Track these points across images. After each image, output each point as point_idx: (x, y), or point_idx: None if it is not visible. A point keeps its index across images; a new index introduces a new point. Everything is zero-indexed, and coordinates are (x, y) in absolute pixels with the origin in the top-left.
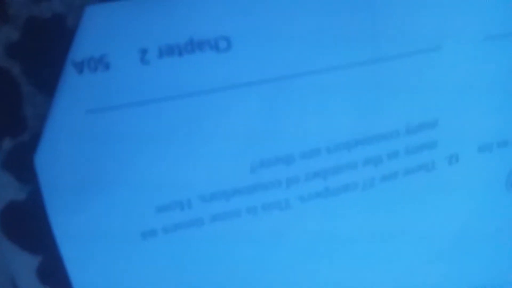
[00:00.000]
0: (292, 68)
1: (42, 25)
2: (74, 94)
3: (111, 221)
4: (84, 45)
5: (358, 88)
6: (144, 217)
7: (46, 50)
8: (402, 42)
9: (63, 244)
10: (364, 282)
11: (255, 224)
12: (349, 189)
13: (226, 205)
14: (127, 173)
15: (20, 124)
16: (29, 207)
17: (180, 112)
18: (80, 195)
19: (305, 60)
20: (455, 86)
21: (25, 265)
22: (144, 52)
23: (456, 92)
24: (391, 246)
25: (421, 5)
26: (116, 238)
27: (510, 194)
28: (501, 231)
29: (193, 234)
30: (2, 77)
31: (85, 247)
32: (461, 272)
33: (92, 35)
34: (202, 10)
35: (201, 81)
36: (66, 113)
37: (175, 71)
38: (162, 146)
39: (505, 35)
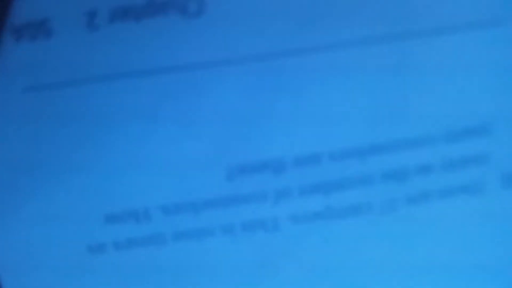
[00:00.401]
0: (285, 42)
1: None
2: (12, 67)
3: (49, 229)
4: (24, 7)
5: (376, 73)
6: (91, 227)
7: None
8: (442, 12)
9: None
10: None
11: (232, 248)
12: (360, 211)
13: (195, 221)
14: (70, 169)
15: None
16: None
17: (135, 94)
18: (15, 194)
19: (302, 32)
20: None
21: None
22: (92, 15)
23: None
24: None
25: None
26: (58, 251)
27: None
28: None
29: (151, 254)
30: None
31: (20, 259)
32: None
33: None
34: None
35: (163, 55)
36: (2, 90)
37: (129, 40)
38: (113, 137)
39: None
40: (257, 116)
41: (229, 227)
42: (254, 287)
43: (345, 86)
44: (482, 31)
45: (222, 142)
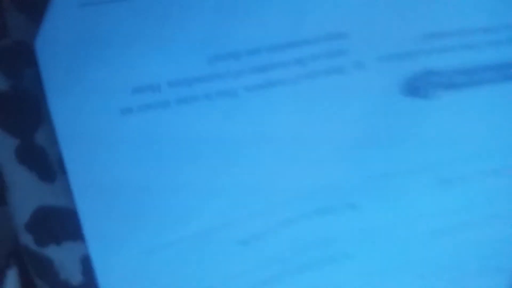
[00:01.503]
0: None
1: None
2: None
3: (97, 98)
4: None
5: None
6: (123, 96)
7: None
8: None
9: (58, 122)
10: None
11: (211, 108)
12: (284, 82)
13: (189, 91)
14: (112, 58)
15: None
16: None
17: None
18: (72, 77)
19: None
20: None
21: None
22: None
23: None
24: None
25: None
26: (101, 113)
27: (403, 97)
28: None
29: (162, 114)
30: None
31: (76, 122)
32: (357, 164)
33: None
34: None
35: None
36: (62, 4)
37: None
38: (141, 41)
39: None
40: (223, 24)
41: (209, 95)
42: (225, 135)
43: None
44: None
45: (204, 40)
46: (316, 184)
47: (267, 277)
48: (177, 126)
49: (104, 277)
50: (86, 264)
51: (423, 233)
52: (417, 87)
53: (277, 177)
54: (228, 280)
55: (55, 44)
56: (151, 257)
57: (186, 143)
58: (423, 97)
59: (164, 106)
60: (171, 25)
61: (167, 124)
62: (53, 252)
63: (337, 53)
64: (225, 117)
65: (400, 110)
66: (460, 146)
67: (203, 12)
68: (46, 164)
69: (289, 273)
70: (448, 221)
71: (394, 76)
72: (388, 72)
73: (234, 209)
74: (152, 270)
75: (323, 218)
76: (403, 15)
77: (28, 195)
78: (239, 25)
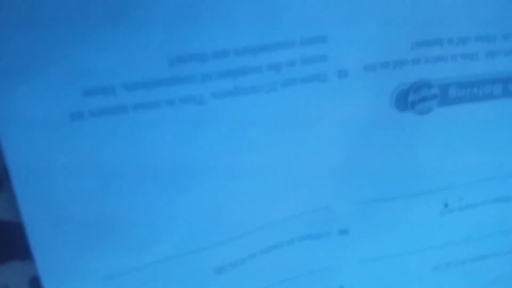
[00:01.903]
0: None
1: None
2: None
3: (44, 101)
4: None
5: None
6: (72, 99)
7: None
8: None
9: (2, 127)
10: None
11: (174, 116)
12: (255, 90)
13: (148, 95)
14: (61, 56)
15: None
16: None
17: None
18: (16, 76)
19: None
20: (340, 3)
21: None
22: None
23: (343, 11)
24: (288, 144)
25: None
26: (48, 117)
27: (393, 111)
28: (383, 145)
29: (118, 121)
30: None
31: (21, 128)
32: (350, 185)
33: None
34: None
35: None
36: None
37: None
38: (93, 37)
39: None
40: (186, 21)
41: (171, 101)
42: (190, 143)
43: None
44: None
45: (165, 38)
46: (302, 208)
47: None
48: (135, 135)
49: None
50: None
51: (423, 265)
52: (410, 101)
53: (255, 198)
54: None
55: None
56: (110, 284)
57: (146, 155)
58: (418, 112)
59: (120, 112)
60: (127, 21)
61: (124, 132)
62: None
63: (316, 59)
64: (192, 126)
65: (391, 126)
66: (464, 169)
67: (164, 8)
68: None
69: None
70: (450, 253)
71: (383, 88)
72: (377, 83)
73: (209, 232)
74: None
75: (311, 244)
76: (394, 19)
77: None
78: (205, 24)
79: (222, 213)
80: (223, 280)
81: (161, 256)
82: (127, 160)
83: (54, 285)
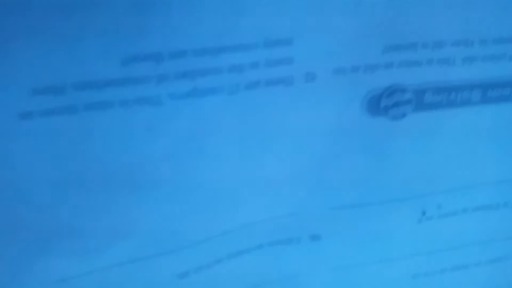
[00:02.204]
0: None
1: None
2: None
3: None
4: None
5: None
6: (22, 98)
7: None
8: None
9: None
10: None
11: (128, 117)
12: (216, 92)
13: (99, 96)
14: (9, 52)
15: None
16: None
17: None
18: None
19: None
20: (307, 3)
21: None
22: None
23: (309, 12)
24: (254, 149)
25: None
26: None
27: (365, 117)
28: (355, 150)
29: (68, 121)
30: None
31: None
32: (321, 190)
33: None
34: None
35: None
36: None
37: None
38: (42, 34)
39: None
40: (141, 19)
41: (125, 102)
42: (146, 147)
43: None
44: None
45: (118, 36)
46: (271, 213)
47: None
48: (87, 136)
49: None
50: None
51: (401, 273)
52: (383, 106)
53: (219, 203)
54: None
55: None
56: (63, 287)
57: (98, 157)
58: (391, 117)
59: (70, 112)
60: (76, 18)
61: (75, 133)
62: None
63: (281, 61)
64: (148, 128)
65: (364, 131)
66: (442, 175)
67: (116, 5)
68: None
69: None
70: (429, 262)
71: (354, 92)
72: (347, 87)
73: (170, 237)
74: None
75: (281, 250)
76: (364, 22)
77: None
78: (161, 23)
79: (183, 218)
80: (187, 285)
81: (116, 260)
82: (78, 162)
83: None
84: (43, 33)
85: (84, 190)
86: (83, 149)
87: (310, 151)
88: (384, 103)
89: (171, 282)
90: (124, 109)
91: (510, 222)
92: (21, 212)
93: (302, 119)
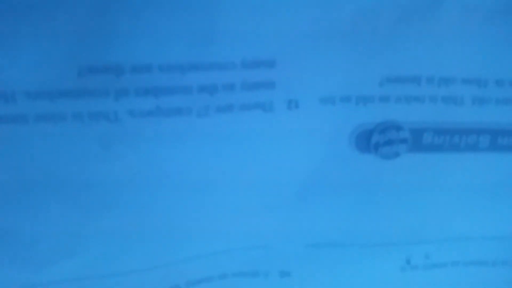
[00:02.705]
0: None
1: None
2: None
3: None
4: None
5: (192, 7)
6: None
7: None
8: None
9: None
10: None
11: (80, 131)
12: (182, 113)
13: (52, 106)
14: None
15: None
16: None
17: None
18: None
19: None
20: (294, 24)
21: None
22: None
23: (297, 33)
24: (224, 177)
25: None
26: None
27: (353, 153)
28: (339, 187)
29: (17, 131)
30: None
31: None
32: (297, 226)
33: None
34: None
35: None
36: None
37: None
38: None
39: None
40: (101, 29)
41: (79, 115)
42: (96, 165)
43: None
44: None
45: (75, 45)
46: (240, 243)
47: None
48: (37, 148)
49: None
50: None
51: None
52: (374, 142)
53: (180, 229)
54: None
55: None
56: None
57: (48, 170)
58: (382, 156)
59: (20, 122)
60: (31, 23)
61: (25, 144)
62: None
63: (261, 85)
64: (102, 145)
65: (349, 168)
66: (433, 224)
67: (74, 11)
68: None
69: None
70: None
71: (343, 125)
72: (335, 118)
73: (121, 258)
74: None
75: (246, 282)
76: (361, 47)
77: None
78: (123, 33)
79: (137, 241)
80: None
81: (63, 276)
82: (26, 173)
83: None
84: None
85: (31, 203)
86: (31, 161)
87: (287, 184)
88: (375, 139)
89: None
90: (78, 123)
91: (504, 281)
92: None
93: (281, 149)
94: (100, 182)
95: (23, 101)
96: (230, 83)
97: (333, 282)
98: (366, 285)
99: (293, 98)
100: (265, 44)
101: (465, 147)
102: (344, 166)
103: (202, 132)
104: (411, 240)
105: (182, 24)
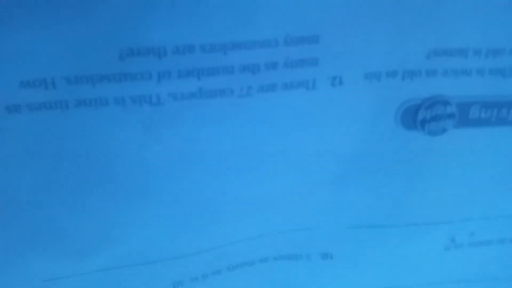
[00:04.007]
0: None
1: None
2: None
3: None
4: None
5: None
6: (8, 91)
7: None
8: None
9: None
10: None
11: (123, 116)
12: (225, 94)
13: (93, 91)
14: None
15: None
16: None
17: None
18: None
19: None
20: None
21: None
22: None
23: (340, 7)
24: (267, 159)
25: None
26: None
27: (399, 130)
28: (384, 166)
29: (58, 117)
30: None
31: None
32: (340, 206)
33: None
34: None
35: None
36: None
37: None
38: (23, 23)
39: None
40: (143, 10)
41: (121, 99)
42: (138, 150)
43: None
44: None
45: (116, 27)
46: (281, 226)
47: None
48: (78, 134)
49: None
50: None
51: None
52: (420, 119)
53: (222, 212)
54: None
55: None
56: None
57: (89, 157)
58: (428, 132)
59: (60, 107)
60: (70, 5)
61: (66, 130)
62: None
63: (304, 62)
64: (145, 130)
65: (394, 145)
66: (479, 201)
67: None
68: None
69: None
70: None
71: (388, 101)
72: (380, 95)
73: (165, 245)
74: None
75: (288, 265)
76: (407, 19)
77: None
78: (164, 13)
79: (181, 226)
80: None
81: (108, 264)
82: (67, 160)
83: None
84: (32, 21)
85: (73, 190)
86: (72, 148)
87: (331, 163)
88: (422, 115)
89: None
90: (120, 107)
91: None
92: (6, 210)
93: (324, 128)
94: (143, 167)
95: (63, 86)
96: (272, 62)
97: (376, 263)
98: (410, 265)
99: (337, 75)
100: (308, 19)
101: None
102: (389, 144)
103: (244, 113)
104: (456, 217)
105: (223, 2)
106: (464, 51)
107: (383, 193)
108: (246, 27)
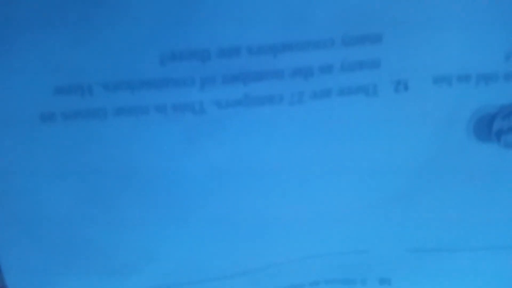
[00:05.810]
0: None
1: None
2: None
3: (10, 99)
4: None
5: None
6: (42, 98)
7: None
8: None
9: None
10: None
11: (164, 125)
12: (273, 101)
13: (132, 98)
14: (30, 47)
15: None
16: None
17: None
18: None
19: None
20: None
21: None
22: None
23: (406, 2)
24: (316, 174)
25: None
26: (15, 117)
27: (470, 141)
28: (453, 182)
29: (95, 126)
30: None
31: None
32: (400, 227)
33: None
34: None
35: None
36: None
37: None
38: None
39: None
40: (186, 11)
41: (162, 107)
42: (180, 162)
43: None
44: None
45: (157, 30)
46: (336, 248)
47: None
48: (117, 145)
49: None
50: None
51: None
52: (496, 129)
53: (269, 232)
54: None
55: None
56: None
57: (128, 169)
58: (505, 145)
59: (98, 115)
60: (108, 7)
61: (103, 141)
62: None
63: (364, 64)
64: (187, 140)
65: (466, 160)
66: None
67: None
68: None
69: None
70: None
71: (459, 110)
72: (450, 102)
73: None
74: None
75: None
76: (482, 15)
77: None
78: (209, 13)
79: (225, 244)
80: None
81: (149, 284)
82: (104, 172)
83: None
84: (67, 23)
85: (111, 205)
86: (110, 159)
87: (392, 179)
88: (498, 125)
89: None
90: (161, 116)
91: None
92: (40, 227)
93: (386, 139)
94: (184, 181)
95: (101, 93)
96: (327, 64)
97: None
98: None
99: (401, 79)
100: (369, 16)
101: None
102: (460, 158)
103: (295, 122)
104: None
105: (273, 1)
106: None
107: (451, 213)
108: (298, 26)
